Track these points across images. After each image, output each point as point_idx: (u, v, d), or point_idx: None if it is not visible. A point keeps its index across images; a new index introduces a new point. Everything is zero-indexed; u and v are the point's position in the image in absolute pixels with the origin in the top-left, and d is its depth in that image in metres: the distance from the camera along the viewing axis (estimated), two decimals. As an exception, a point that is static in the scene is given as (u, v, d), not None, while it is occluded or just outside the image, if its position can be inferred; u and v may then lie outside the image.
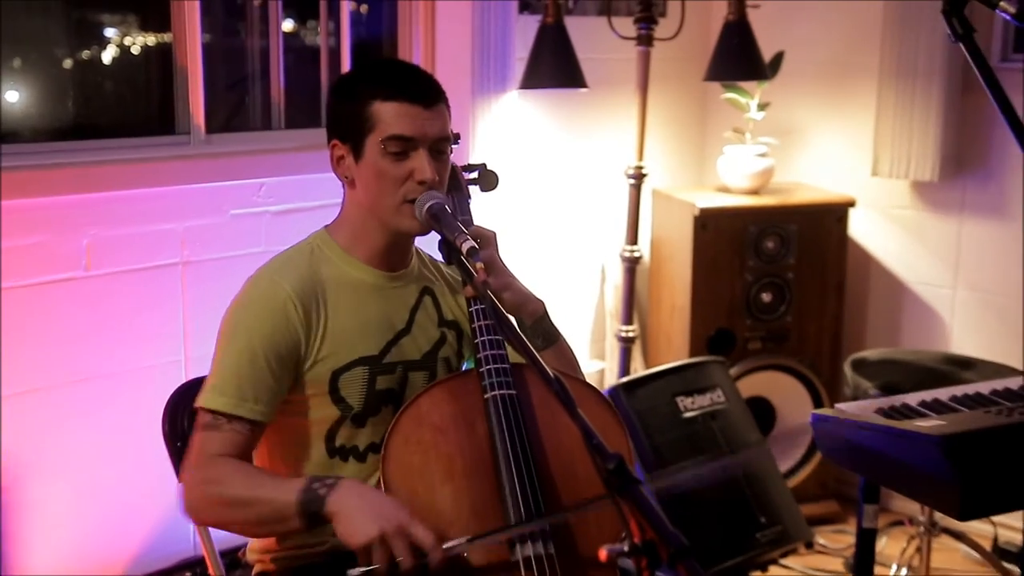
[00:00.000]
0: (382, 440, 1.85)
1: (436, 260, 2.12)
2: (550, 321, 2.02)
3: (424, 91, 1.90)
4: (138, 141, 3.14)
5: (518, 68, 3.72)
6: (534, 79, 3.68)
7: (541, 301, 2.02)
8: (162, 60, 3.30)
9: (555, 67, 3.65)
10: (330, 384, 1.92)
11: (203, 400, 1.88)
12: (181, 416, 2.15)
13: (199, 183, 3.16)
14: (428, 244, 2.02)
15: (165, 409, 2.16)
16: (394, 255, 2.00)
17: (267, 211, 3.29)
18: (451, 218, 1.85)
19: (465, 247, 1.77)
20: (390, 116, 1.87)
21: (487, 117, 3.63)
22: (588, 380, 2.02)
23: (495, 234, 2.01)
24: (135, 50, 3.38)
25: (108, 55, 3.33)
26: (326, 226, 2.03)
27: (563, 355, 2.03)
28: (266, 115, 3.55)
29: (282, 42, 3.52)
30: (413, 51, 3.69)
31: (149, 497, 3.06)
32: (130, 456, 3.02)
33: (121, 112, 3.40)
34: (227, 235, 3.20)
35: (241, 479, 1.82)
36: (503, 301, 1.93)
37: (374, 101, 1.88)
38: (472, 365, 1.98)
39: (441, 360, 2.04)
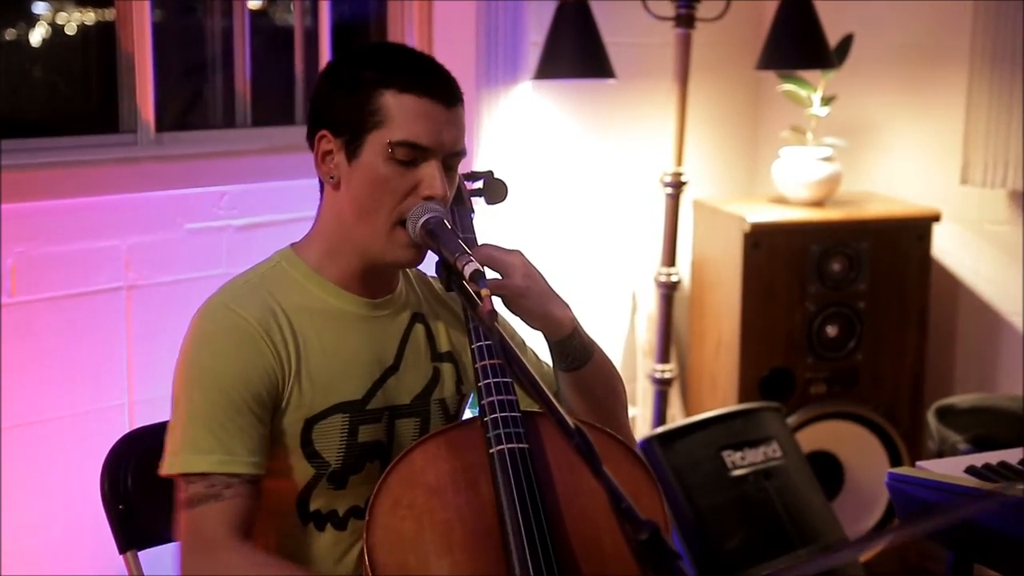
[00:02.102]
0: (366, 503, 1.84)
1: (423, 273, 2.12)
2: (581, 336, 1.98)
3: (446, 88, 1.90)
4: (74, 140, 3.15)
5: (532, 55, 3.73)
6: (551, 68, 3.69)
7: (569, 314, 1.97)
8: (103, 42, 3.32)
9: (577, 53, 3.66)
10: (302, 436, 1.91)
11: (181, 464, 1.83)
12: (124, 472, 2.14)
13: (147, 191, 3.16)
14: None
15: (104, 464, 2.15)
16: (378, 278, 1.99)
17: (229, 225, 3.29)
18: (452, 235, 1.84)
19: (468, 270, 1.77)
20: (406, 114, 1.86)
21: (494, 114, 3.64)
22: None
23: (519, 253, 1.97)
24: (70, 30, 3.39)
25: (37, 35, 3.35)
26: (293, 244, 2.02)
27: (601, 372, 2.00)
28: (228, 110, 3.56)
29: (248, 22, 3.54)
30: (406, 33, 3.70)
31: (83, 570, 3.05)
32: (62, 521, 3.02)
33: (53, 105, 3.42)
34: (181, 254, 3.20)
35: (265, 569, 1.78)
36: (524, 310, 1.91)
37: (385, 91, 1.87)
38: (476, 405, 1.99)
39: (435, 403, 2.03)
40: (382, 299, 2.00)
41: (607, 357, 2.04)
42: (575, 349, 1.97)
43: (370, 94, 1.87)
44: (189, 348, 1.89)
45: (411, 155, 1.87)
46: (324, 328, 1.95)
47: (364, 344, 1.97)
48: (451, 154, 1.91)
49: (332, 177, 1.93)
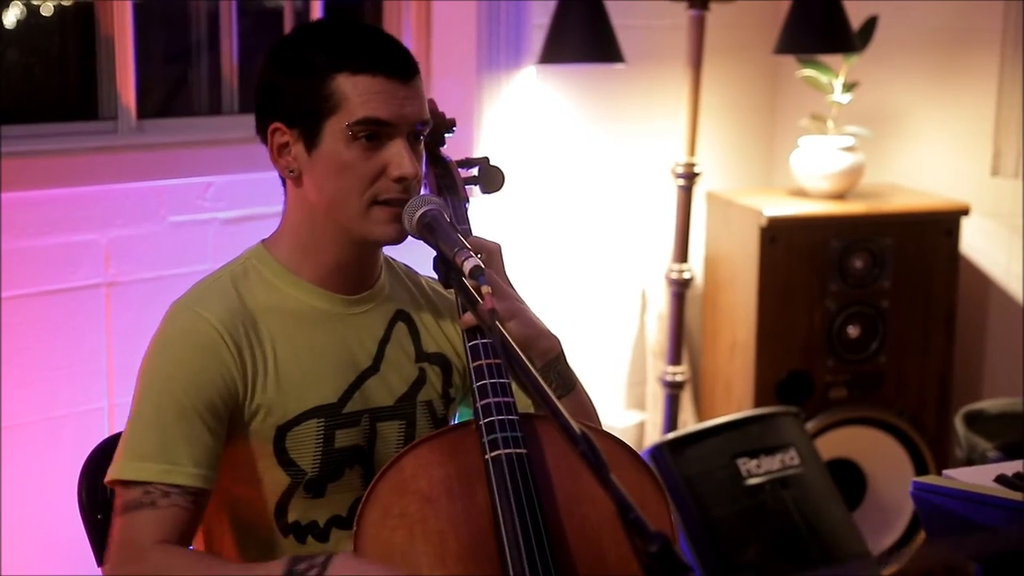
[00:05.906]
0: (350, 512, 1.84)
1: (413, 270, 2.12)
2: (566, 363, 2.01)
3: (400, 62, 1.90)
4: (50, 128, 3.15)
5: (536, 38, 3.73)
6: (557, 52, 3.68)
7: (556, 337, 2.01)
8: (82, 24, 3.32)
9: (583, 37, 3.66)
10: (275, 443, 1.92)
11: (121, 471, 1.85)
12: (103, 480, 2.15)
13: (128, 182, 3.16)
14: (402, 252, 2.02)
15: (82, 471, 2.15)
16: (355, 272, 1.99)
17: (215, 218, 3.30)
18: (450, 229, 1.84)
19: (468, 266, 1.77)
20: (361, 94, 1.86)
21: (496, 99, 3.64)
22: (621, 437, 2.01)
23: (500, 247, 2.01)
24: (46, 11, 3.39)
25: (11, 17, 3.35)
26: (263, 240, 2.02)
27: (581, 408, 2.02)
28: (214, 96, 3.56)
29: (235, 3, 3.54)
30: (402, 16, 3.70)
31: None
32: (37, 531, 3.02)
33: (28, 91, 3.42)
34: (164, 249, 3.20)
35: (195, 565, 1.79)
36: (509, 333, 1.92)
37: (337, 75, 1.87)
38: (466, 410, 1.98)
39: (421, 405, 2.03)
40: (360, 295, 2.00)
41: (586, 391, 2.06)
42: (560, 375, 1.99)
43: (322, 79, 1.87)
44: (149, 352, 1.91)
45: (373, 133, 1.87)
46: (295, 329, 1.95)
47: (338, 344, 1.97)
48: (416, 125, 1.91)
49: (292, 171, 1.93)
